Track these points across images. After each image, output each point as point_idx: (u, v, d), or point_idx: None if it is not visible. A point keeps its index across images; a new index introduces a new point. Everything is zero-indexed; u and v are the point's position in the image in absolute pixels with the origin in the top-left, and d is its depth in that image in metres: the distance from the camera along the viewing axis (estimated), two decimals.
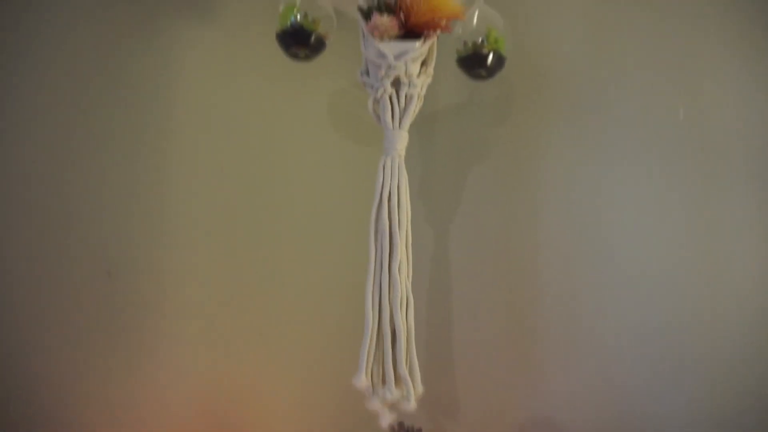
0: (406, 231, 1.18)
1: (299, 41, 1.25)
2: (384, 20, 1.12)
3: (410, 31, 1.15)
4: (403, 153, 1.19)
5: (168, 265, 1.39)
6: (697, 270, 1.22)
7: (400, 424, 1.30)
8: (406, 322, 1.15)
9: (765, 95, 1.16)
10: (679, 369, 1.22)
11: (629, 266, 1.32)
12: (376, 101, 1.17)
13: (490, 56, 1.31)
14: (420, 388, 1.17)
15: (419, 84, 1.17)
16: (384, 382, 1.14)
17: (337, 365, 1.56)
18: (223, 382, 1.43)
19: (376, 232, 1.16)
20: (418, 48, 1.14)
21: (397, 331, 1.14)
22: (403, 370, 1.13)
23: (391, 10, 1.14)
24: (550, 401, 1.42)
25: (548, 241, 1.49)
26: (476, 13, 1.33)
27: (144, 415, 1.30)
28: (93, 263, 1.27)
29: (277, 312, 1.59)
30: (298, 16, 1.24)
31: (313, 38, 1.25)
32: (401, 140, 1.18)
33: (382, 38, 1.13)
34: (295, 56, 1.28)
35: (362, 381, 1.13)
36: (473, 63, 1.32)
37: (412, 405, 1.14)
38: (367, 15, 1.15)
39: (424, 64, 1.19)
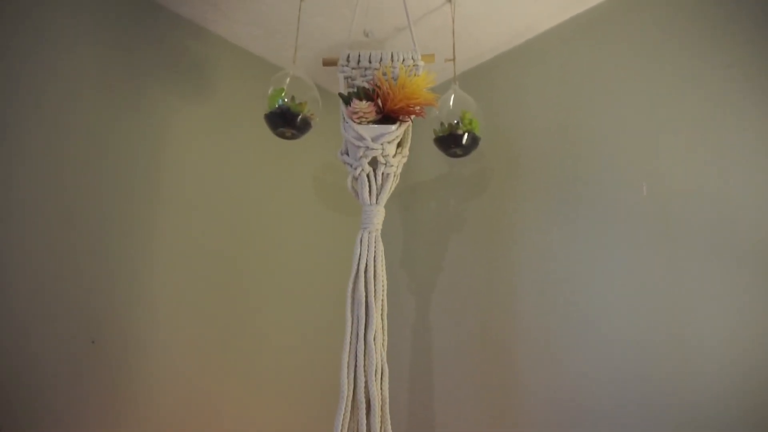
0: (382, 301, 1.20)
1: (286, 122, 1.33)
2: (363, 105, 1.21)
3: (387, 116, 1.23)
4: (379, 227, 1.23)
5: (150, 333, 1.42)
6: (666, 330, 1.26)
7: None
8: (380, 391, 1.17)
9: (718, 169, 1.23)
10: None
11: (603, 328, 1.36)
12: (355, 179, 1.24)
13: (465, 136, 1.39)
14: None
15: (395, 163, 1.24)
16: None
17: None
18: None
19: (353, 302, 1.19)
20: (394, 131, 1.22)
21: (371, 400, 1.15)
22: None
23: (370, 97, 1.23)
24: None
25: (525, 307, 1.53)
26: (452, 97, 1.42)
27: None
28: (79, 332, 1.31)
29: (257, 378, 1.62)
30: (286, 99, 1.33)
31: (299, 119, 1.33)
32: (378, 215, 1.22)
33: (360, 122, 1.21)
34: (282, 135, 1.36)
35: None
36: (449, 142, 1.41)
37: None
38: (347, 100, 1.24)
39: (400, 145, 1.26)
